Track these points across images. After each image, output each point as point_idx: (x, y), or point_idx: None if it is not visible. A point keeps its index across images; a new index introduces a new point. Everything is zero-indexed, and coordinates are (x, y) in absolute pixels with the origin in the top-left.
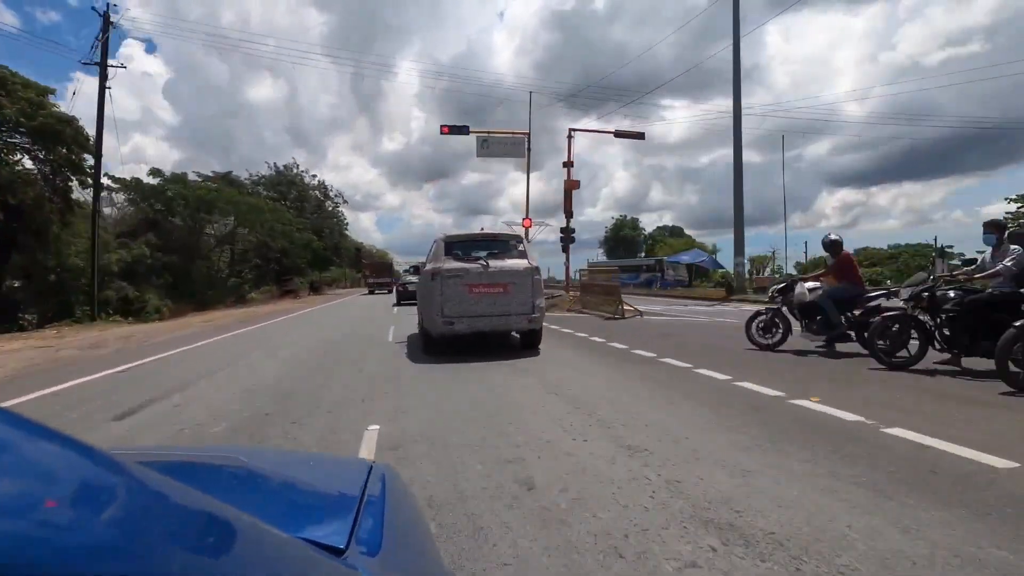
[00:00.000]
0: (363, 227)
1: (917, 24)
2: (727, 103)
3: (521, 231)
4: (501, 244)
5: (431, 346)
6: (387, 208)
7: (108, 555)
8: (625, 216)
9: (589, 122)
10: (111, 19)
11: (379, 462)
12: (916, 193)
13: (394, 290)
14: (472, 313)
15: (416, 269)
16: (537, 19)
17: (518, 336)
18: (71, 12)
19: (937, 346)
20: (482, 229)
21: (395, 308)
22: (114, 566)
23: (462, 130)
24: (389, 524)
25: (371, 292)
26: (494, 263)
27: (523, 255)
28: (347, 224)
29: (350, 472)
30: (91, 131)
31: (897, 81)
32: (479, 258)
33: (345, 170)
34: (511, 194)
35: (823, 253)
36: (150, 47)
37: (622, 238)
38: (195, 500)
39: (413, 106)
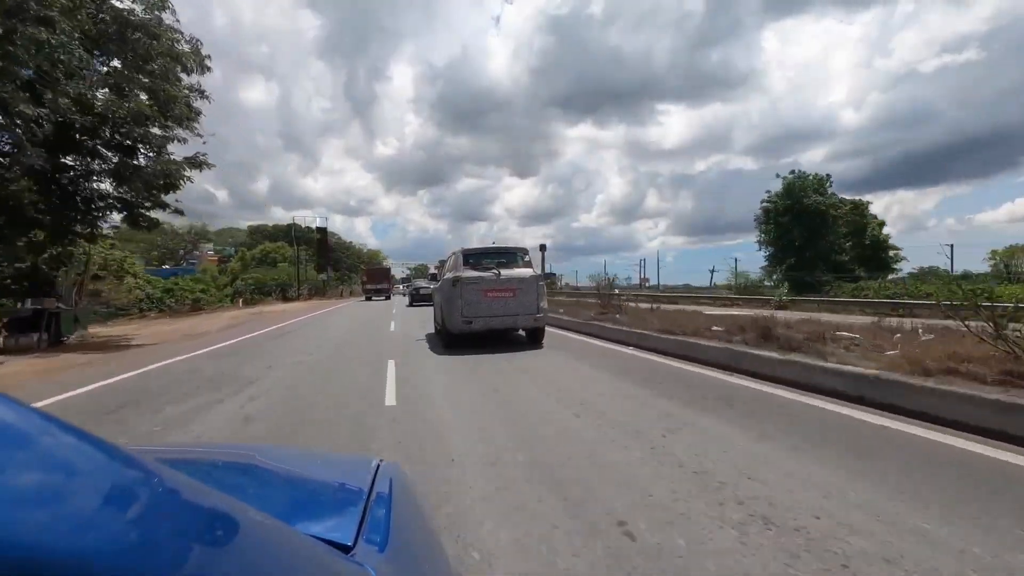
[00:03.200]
0: (358, 232)
1: (913, 30)
2: (725, 108)
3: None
4: (509, 255)
5: (451, 341)
6: (382, 213)
7: (127, 550)
8: (804, 174)
9: (585, 127)
10: None
11: (387, 460)
12: (910, 200)
13: (407, 293)
14: (486, 314)
15: (434, 276)
16: (532, 24)
17: (523, 333)
18: None
19: None
20: (492, 243)
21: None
22: (132, 560)
23: None
24: (396, 521)
25: (368, 299)
26: (504, 271)
27: (529, 264)
28: (186, 64)
29: (358, 469)
30: None
31: (892, 88)
32: (491, 267)
33: (339, 175)
34: (505, 200)
35: None
36: None
37: (803, 211)
38: (206, 496)
39: (408, 111)
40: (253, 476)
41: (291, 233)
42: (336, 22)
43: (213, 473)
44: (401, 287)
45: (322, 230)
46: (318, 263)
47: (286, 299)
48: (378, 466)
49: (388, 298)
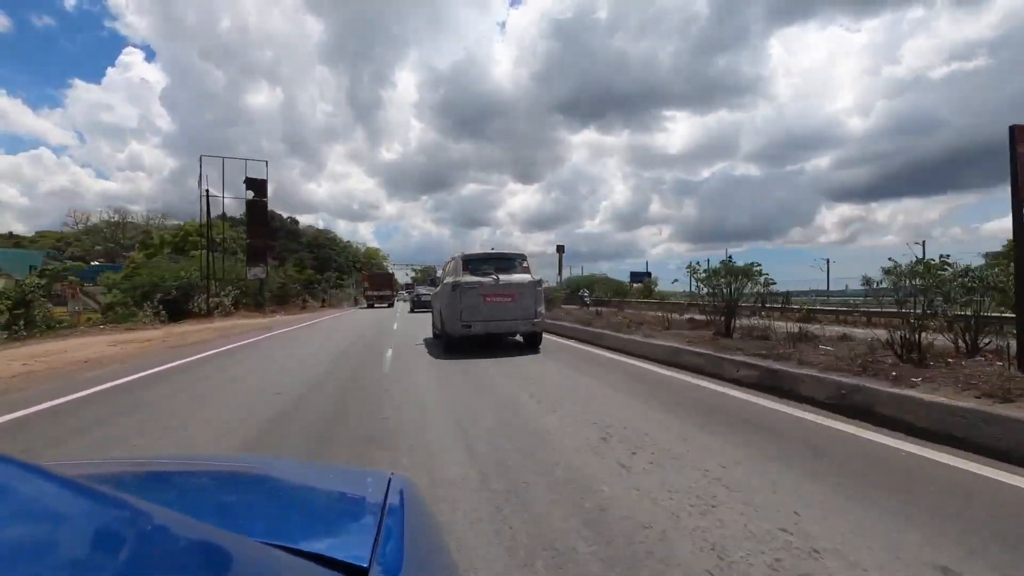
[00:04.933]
0: (361, 236)
1: (921, 37)
2: (730, 114)
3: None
4: (508, 261)
5: (451, 345)
6: (385, 218)
7: None
8: None
9: (589, 133)
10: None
11: (397, 473)
12: (915, 209)
13: (409, 300)
14: (485, 318)
15: (433, 282)
16: (536, 28)
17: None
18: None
19: None
20: (492, 248)
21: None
22: None
23: None
24: (409, 539)
25: (370, 305)
26: (503, 277)
27: (527, 270)
28: None
29: (370, 484)
30: (92, 140)
31: (900, 95)
32: (490, 272)
33: (342, 179)
34: (509, 205)
35: None
36: (149, 54)
37: None
38: (200, 532)
39: (411, 116)
40: (265, 492)
41: (233, 199)
42: (340, 26)
43: (220, 486)
44: (405, 293)
45: (258, 185)
46: (249, 249)
47: (176, 316)
48: (389, 479)
49: (391, 305)
